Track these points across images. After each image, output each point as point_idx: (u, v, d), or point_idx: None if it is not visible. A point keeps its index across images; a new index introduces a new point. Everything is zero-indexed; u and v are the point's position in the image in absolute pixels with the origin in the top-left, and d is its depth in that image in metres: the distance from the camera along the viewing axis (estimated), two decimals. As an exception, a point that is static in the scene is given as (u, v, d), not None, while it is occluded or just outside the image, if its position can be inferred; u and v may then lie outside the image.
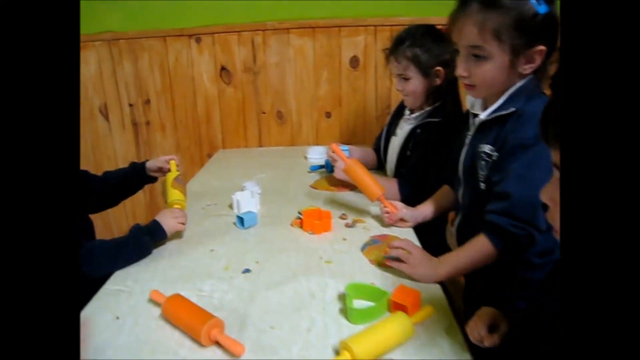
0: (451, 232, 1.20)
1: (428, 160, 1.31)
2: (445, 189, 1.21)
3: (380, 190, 1.16)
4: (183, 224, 1.13)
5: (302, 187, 1.46)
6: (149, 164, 1.33)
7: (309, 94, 1.92)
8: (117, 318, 0.85)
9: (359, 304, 0.83)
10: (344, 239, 1.10)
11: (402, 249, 0.94)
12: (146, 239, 1.06)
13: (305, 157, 1.76)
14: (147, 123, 2.03)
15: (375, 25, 1.82)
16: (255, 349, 0.74)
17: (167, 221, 1.11)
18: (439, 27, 1.37)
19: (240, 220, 1.19)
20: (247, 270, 0.98)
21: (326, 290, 0.89)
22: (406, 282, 0.90)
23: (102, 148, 2.08)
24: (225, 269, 0.99)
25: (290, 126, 1.98)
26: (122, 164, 2.07)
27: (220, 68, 1.91)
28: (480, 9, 0.87)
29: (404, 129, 1.42)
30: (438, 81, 1.32)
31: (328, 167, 1.57)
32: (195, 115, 2.00)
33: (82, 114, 2.04)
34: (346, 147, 1.50)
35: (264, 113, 1.97)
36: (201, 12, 1.83)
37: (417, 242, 1.09)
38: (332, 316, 0.81)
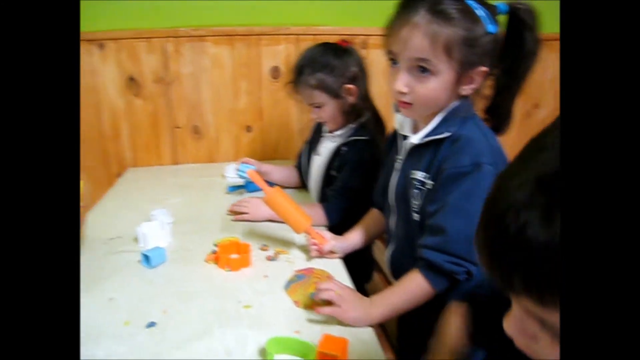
0: (382, 258, 1.13)
1: (356, 182, 1.23)
2: (375, 213, 1.13)
3: (308, 221, 1.06)
4: None
5: (219, 213, 1.33)
6: None
7: (228, 107, 1.79)
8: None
9: (282, 361, 0.73)
10: (265, 276, 0.99)
11: (332, 290, 0.84)
12: None
13: (223, 176, 1.63)
14: (43, 139, 1.79)
15: (297, 34, 1.72)
16: None
17: None
18: (336, 39, 1.32)
19: (146, 258, 1.04)
20: (152, 324, 0.84)
21: (245, 345, 0.78)
22: (334, 328, 0.81)
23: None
24: (125, 324, 0.84)
25: (207, 141, 1.83)
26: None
27: (127, 78, 1.72)
28: (432, 20, 0.79)
29: (327, 147, 1.34)
30: (351, 99, 1.25)
31: (248, 188, 1.45)
32: (100, 130, 1.79)
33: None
34: (252, 166, 1.38)
35: (178, 127, 1.80)
36: (104, 15, 1.63)
37: (345, 275, 1.01)
38: (251, 380, 0.70)
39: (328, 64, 1.23)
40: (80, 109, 1.74)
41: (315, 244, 1.04)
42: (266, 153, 1.85)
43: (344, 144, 1.28)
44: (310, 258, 1.05)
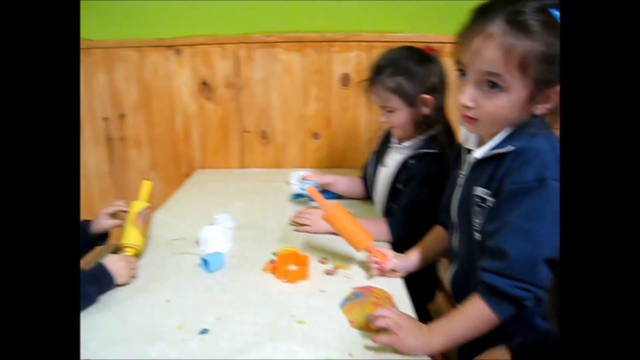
0: (446, 278, 1.06)
1: (423, 197, 1.16)
2: (438, 231, 1.06)
3: (369, 239, 1.00)
4: (134, 277, 0.99)
5: (280, 221, 1.31)
6: (94, 225, 1.09)
7: (296, 113, 1.78)
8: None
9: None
10: (322, 291, 0.95)
11: (389, 317, 0.78)
12: (91, 290, 0.91)
13: (288, 183, 1.62)
14: (122, 138, 1.88)
15: (369, 41, 1.68)
16: None
17: (118, 271, 0.96)
18: (422, 45, 1.25)
19: (206, 263, 1.04)
20: (204, 331, 0.83)
21: (295, 364, 0.74)
22: (391, 355, 0.76)
23: (72, 164, 1.93)
24: (179, 327, 0.84)
25: (274, 147, 1.84)
26: (95, 181, 1.92)
27: (201, 82, 1.77)
28: (508, 32, 0.72)
29: (394, 158, 1.28)
30: (426, 110, 1.18)
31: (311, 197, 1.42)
32: (173, 132, 1.85)
33: (50, 127, 1.89)
34: (312, 182, 1.36)
35: (247, 132, 1.82)
36: (181, 22, 1.69)
37: (406, 295, 0.94)
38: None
39: (409, 69, 1.17)
40: (156, 110, 1.82)
41: (376, 262, 0.99)
42: (333, 161, 1.82)
43: (412, 157, 1.22)
44: (370, 277, 1.00)
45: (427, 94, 1.17)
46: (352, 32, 1.68)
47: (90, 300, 0.91)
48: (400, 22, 1.66)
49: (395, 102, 1.19)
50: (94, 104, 1.84)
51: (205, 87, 1.77)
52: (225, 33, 1.69)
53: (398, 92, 1.17)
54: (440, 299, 1.41)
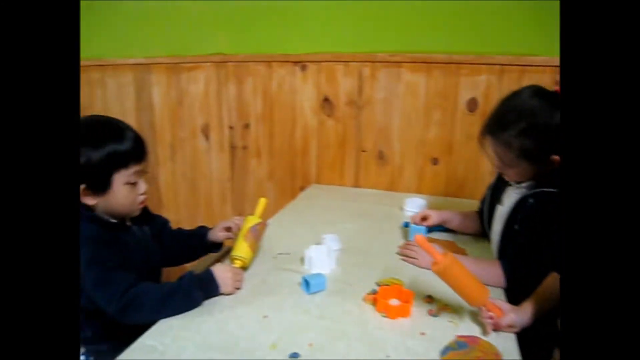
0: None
1: (541, 241, 1.02)
2: (556, 278, 0.92)
3: (485, 294, 0.89)
4: (238, 288, 1.02)
5: (388, 248, 1.26)
6: (211, 234, 1.20)
7: (416, 136, 1.71)
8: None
9: None
10: (422, 333, 0.87)
11: None
12: (197, 293, 0.96)
13: (402, 208, 1.56)
14: (244, 147, 1.98)
15: (502, 64, 1.56)
16: None
17: (225, 280, 0.99)
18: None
19: (307, 283, 1.03)
20: (295, 355, 0.81)
21: (383, 411, 0.68)
22: None
23: (200, 167, 2.08)
24: (272, 347, 0.83)
25: (391, 169, 1.79)
26: (216, 184, 2.05)
27: (322, 98, 1.79)
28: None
29: (512, 197, 1.15)
30: (550, 168, 1.04)
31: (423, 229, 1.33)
32: (292, 144, 1.90)
33: (185, 132, 2.06)
34: (422, 228, 1.29)
35: (364, 151, 1.80)
36: (309, 39, 1.73)
37: (517, 353, 0.83)
38: None
39: (540, 125, 1.00)
40: (277, 123, 1.88)
41: (491, 318, 0.88)
42: (450, 189, 1.72)
43: (530, 195, 1.08)
44: (486, 334, 0.88)
45: (558, 153, 1.00)
46: (482, 54, 1.57)
47: (196, 303, 0.95)
48: (538, 44, 1.50)
49: (518, 162, 1.05)
50: (223, 113, 1.97)
51: (326, 103, 1.79)
52: (351, 51, 1.69)
53: (524, 155, 1.03)
54: (558, 357, 1.24)
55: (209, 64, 1.92)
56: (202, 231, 1.23)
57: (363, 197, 1.73)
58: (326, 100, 1.79)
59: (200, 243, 1.22)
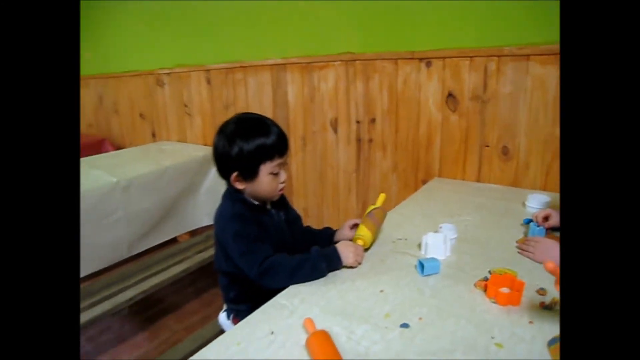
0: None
1: None
2: None
3: None
4: (359, 263, 1.15)
5: (506, 242, 1.28)
6: (338, 234, 1.34)
7: (543, 132, 1.67)
8: (272, 333, 0.90)
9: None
10: (531, 322, 0.91)
11: None
12: (323, 265, 1.10)
13: (524, 205, 1.54)
14: (370, 141, 2.10)
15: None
16: None
17: (347, 255, 1.13)
18: None
19: (421, 265, 1.11)
20: (405, 325, 0.90)
21: (483, 382, 0.75)
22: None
23: (328, 158, 2.25)
24: (385, 316, 0.94)
25: (515, 165, 1.76)
26: (343, 175, 2.20)
27: (447, 94, 1.83)
28: None
29: None
30: None
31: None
32: (416, 139, 1.97)
33: (316, 126, 2.25)
34: (543, 229, 1.27)
35: (487, 146, 1.80)
36: (434, 36, 1.78)
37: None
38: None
39: None
40: (402, 118, 1.96)
41: None
42: (580, 187, 1.64)
43: None
44: None
45: None
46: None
47: (321, 274, 1.10)
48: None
49: None
50: (351, 108, 2.11)
51: (451, 98, 1.82)
52: (476, 46, 1.70)
53: None
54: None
55: (338, 62, 2.07)
56: (328, 232, 1.38)
57: (485, 191, 1.74)
58: (450, 95, 1.82)
59: (325, 241, 1.37)
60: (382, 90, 1.99)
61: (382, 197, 1.35)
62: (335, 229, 1.37)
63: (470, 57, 1.72)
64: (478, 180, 1.86)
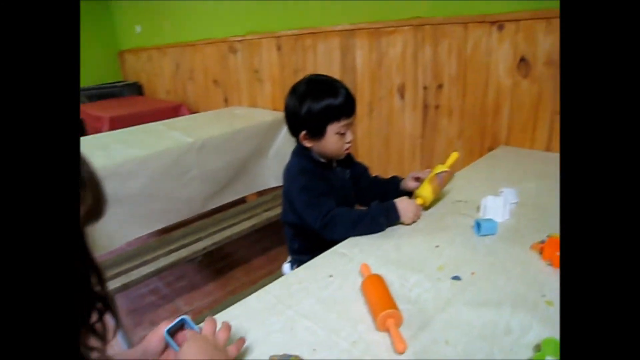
0: None
1: None
2: None
3: None
4: (415, 220, 1.19)
5: (568, 208, 1.26)
6: (402, 183, 1.39)
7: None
8: (330, 276, 0.97)
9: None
10: (586, 282, 0.91)
11: None
12: (382, 220, 1.16)
13: (594, 173, 1.49)
14: (436, 107, 2.09)
15: None
16: (419, 354, 0.73)
17: (405, 211, 1.17)
18: None
19: (478, 225, 1.13)
20: (457, 277, 0.94)
21: (527, 333, 0.77)
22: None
23: (394, 124, 2.27)
24: (438, 268, 0.98)
25: (588, 133, 1.69)
26: (408, 140, 2.22)
27: (519, 59, 1.77)
28: None
29: None
30: None
31: None
32: (484, 105, 1.93)
33: (383, 92, 2.26)
34: None
35: (559, 114, 1.74)
36: (509, -2, 1.72)
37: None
38: (517, 363, 0.72)
39: None
40: (470, 83, 1.93)
41: None
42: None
43: None
44: None
45: None
46: None
47: (380, 228, 1.16)
48: None
49: None
50: (418, 74, 2.10)
51: (523, 63, 1.77)
52: (555, 7, 1.63)
53: None
54: None
55: (407, 27, 2.06)
56: (396, 180, 1.42)
57: (553, 161, 1.69)
58: (522, 60, 1.76)
59: (393, 189, 1.41)
60: (451, 56, 1.96)
61: (454, 156, 1.33)
62: (402, 177, 1.42)
63: (548, 18, 1.65)
64: (548, 149, 1.81)
